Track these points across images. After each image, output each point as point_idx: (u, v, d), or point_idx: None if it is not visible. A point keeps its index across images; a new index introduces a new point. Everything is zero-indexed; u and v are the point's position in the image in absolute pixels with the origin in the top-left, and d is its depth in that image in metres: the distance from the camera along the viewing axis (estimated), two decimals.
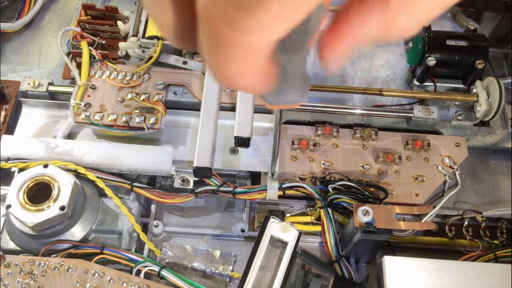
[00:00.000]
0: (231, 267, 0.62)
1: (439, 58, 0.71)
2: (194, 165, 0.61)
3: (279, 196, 0.64)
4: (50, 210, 0.56)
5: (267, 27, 0.19)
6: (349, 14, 0.21)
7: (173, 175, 0.65)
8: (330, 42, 0.22)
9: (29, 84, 0.72)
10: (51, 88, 0.73)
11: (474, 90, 0.73)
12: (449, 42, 0.72)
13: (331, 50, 0.22)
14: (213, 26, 0.19)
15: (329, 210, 0.62)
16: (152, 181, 0.68)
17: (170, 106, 0.71)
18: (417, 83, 0.76)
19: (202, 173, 0.62)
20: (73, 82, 0.73)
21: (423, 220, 0.63)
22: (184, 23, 0.22)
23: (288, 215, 0.66)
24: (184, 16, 0.22)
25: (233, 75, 0.21)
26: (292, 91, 0.26)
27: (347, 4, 0.21)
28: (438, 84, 0.76)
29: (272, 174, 0.65)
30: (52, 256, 0.58)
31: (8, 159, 0.63)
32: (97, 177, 0.62)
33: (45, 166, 0.59)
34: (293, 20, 0.19)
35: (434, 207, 0.64)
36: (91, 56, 0.72)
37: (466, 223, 0.66)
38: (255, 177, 0.69)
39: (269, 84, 0.23)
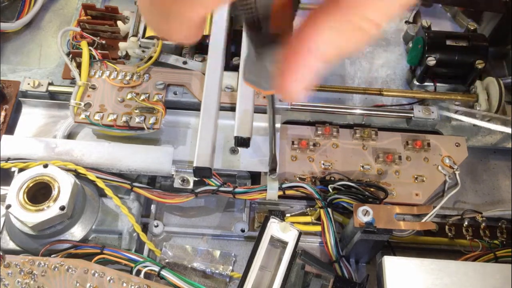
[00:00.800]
0: (231, 267, 0.62)
1: (439, 58, 0.71)
2: (194, 165, 0.61)
3: (279, 196, 0.64)
4: (50, 210, 0.56)
5: (202, 4, 0.22)
6: (307, 32, 0.23)
7: (173, 175, 0.65)
8: (291, 68, 0.23)
9: (29, 84, 0.72)
10: (51, 88, 0.73)
11: (474, 90, 0.73)
12: (449, 42, 0.72)
13: (292, 76, 0.23)
14: None
15: (329, 210, 0.62)
16: (152, 181, 0.68)
17: (170, 106, 0.71)
18: (417, 83, 0.76)
19: (202, 173, 0.62)
20: (73, 82, 0.73)
21: (423, 220, 0.63)
22: None
23: (288, 215, 0.66)
24: None
25: (167, 34, 0.25)
26: (264, 78, 0.29)
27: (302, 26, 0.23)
28: (438, 84, 0.76)
29: (271, 172, 0.64)
30: (52, 256, 0.58)
31: (8, 159, 0.63)
32: (97, 177, 0.62)
33: (45, 166, 0.59)
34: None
35: (434, 207, 0.64)
36: (91, 56, 0.72)
37: (466, 223, 0.66)
38: (255, 177, 0.69)
39: (197, 35, 0.25)
